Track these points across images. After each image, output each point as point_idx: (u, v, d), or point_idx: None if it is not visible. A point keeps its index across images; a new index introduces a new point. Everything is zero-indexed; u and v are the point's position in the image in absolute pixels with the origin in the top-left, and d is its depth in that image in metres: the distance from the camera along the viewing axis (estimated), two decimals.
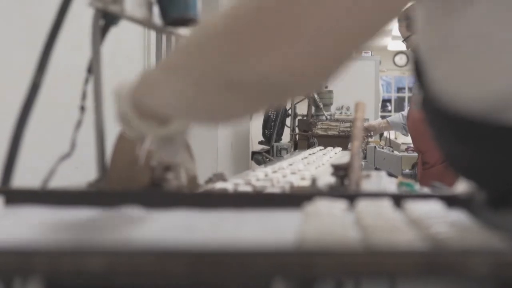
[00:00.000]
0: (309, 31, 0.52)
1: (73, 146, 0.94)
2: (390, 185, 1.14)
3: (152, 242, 0.41)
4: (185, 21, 1.05)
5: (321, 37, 0.53)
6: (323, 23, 0.52)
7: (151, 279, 0.39)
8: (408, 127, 3.35)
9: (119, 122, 0.78)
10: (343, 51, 0.55)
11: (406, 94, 10.65)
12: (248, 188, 0.98)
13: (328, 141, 3.44)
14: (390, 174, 1.94)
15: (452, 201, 0.66)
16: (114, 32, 0.97)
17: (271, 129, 3.76)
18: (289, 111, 3.94)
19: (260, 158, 3.69)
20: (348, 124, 3.67)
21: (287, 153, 3.58)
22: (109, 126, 0.93)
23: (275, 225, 0.59)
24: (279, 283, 0.39)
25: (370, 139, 3.81)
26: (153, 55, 1.44)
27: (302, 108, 4.00)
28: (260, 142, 3.89)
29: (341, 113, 5.17)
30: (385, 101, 10.07)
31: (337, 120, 3.83)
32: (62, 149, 0.93)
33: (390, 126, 3.69)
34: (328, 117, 3.87)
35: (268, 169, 1.36)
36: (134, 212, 0.63)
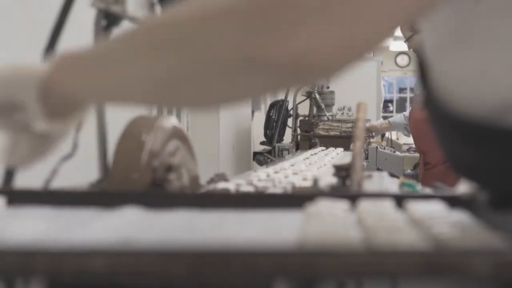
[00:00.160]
0: (348, 8, 0.49)
1: (75, 146, 0.94)
2: (392, 185, 1.14)
3: (153, 242, 0.41)
4: None
5: (359, 16, 0.49)
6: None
7: (153, 279, 0.39)
8: (410, 128, 3.35)
9: None
10: (380, 31, 0.51)
11: (408, 95, 10.65)
12: (250, 189, 0.98)
13: (329, 141, 3.44)
14: (392, 175, 1.94)
15: (454, 202, 0.66)
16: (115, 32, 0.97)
17: (273, 130, 3.76)
18: (291, 112, 3.94)
19: (261, 159, 3.69)
20: (349, 125, 3.67)
21: (288, 153, 3.58)
22: (111, 126, 0.93)
23: (276, 226, 0.59)
24: (281, 284, 0.39)
25: (371, 140, 3.81)
26: None
27: (303, 109, 4.00)
28: (262, 143, 3.89)
29: (342, 113, 5.17)
30: (387, 102, 10.06)
31: (339, 121, 3.83)
32: (64, 149, 0.93)
33: (392, 126, 3.69)
34: (330, 117, 3.87)
35: (270, 169, 1.36)
36: (135, 212, 0.63)
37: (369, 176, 1.19)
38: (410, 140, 3.78)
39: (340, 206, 0.62)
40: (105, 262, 0.39)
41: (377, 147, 3.56)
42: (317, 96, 3.85)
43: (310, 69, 0.51)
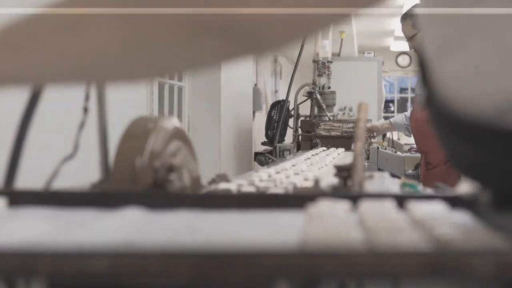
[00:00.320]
0: None
1: (76, 147, 0.94)
2: (393, 185, 1.14)
3: (155, 243, 0.41)
4: None
5: None
6: None
7: (154, 280, 0.39)
8: (411, 128, 3.36)
9: None
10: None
11: (409, 95, 10.66)
12: (251, 189, 0.98)
13: (331, 141, 3.45)
14: (393, 175, 1.94)
15: (455, 202, 0.66)
16: None
17: (274, 130, 3.76)
18: (292, 112, 3.95)
19: (263, 159, 3.70)
20: (351, 125, 3.68)
21: (290, 154, 3.58)
22: (112, 127, 0.93)
23: (278, 226, 0.59)
24: (282, 284, 0.39)
25: (373, 140, 3.81)
26: None
27: (305, 109, 4.01)
28: (263, 143, 3.89)
29: (344, 113, 5.17)
30: (388, 102, 10.08)
31: (340, 121, 3.83)
32: (65, 150, 0.93)
33: (393, 126, 3.69)
34: (331, 117, 3.88)
35: (271, 170, 1.36)
36: (137, 213, 0.63)
37: (371, 177, 1.19)
38: (411, 140, 3.78)
39: (341, 207, 0.62)
40: (106, 263, 0.39)
41: (378, 148, 3.56)
42: (318, 96, 3.86)
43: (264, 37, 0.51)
